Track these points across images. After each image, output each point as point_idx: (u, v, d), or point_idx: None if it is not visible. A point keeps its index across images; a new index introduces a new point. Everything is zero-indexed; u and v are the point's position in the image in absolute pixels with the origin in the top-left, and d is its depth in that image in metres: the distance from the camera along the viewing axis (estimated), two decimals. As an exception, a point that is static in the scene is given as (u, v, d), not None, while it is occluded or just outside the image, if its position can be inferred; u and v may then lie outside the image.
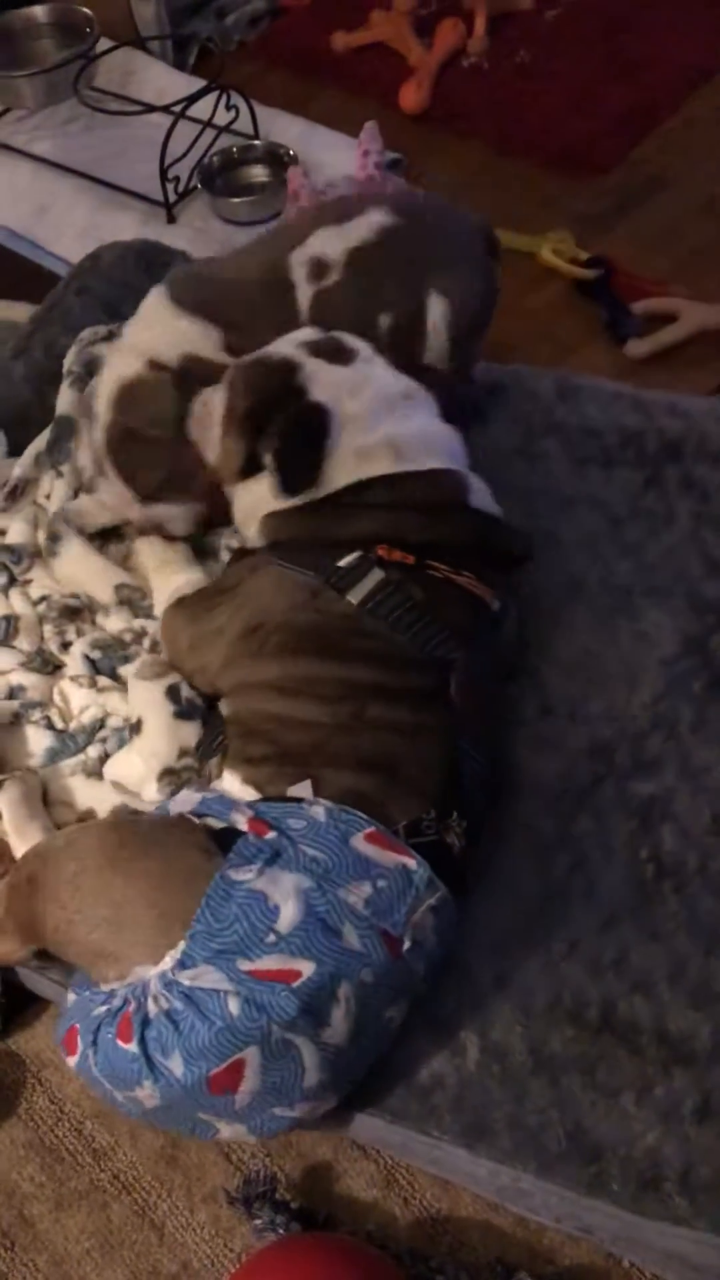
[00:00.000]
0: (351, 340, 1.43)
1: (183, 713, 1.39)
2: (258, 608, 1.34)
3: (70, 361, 1.76)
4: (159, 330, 1.56)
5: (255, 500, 1.41)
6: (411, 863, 1.16)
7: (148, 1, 2.71)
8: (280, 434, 1.35)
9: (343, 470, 1.36)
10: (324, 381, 1.37)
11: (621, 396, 1.75)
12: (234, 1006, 1.08)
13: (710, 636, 1.46)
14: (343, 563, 1.32)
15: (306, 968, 1.09)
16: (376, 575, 1.30)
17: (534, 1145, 1.16)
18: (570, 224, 2.28)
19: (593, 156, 2.43)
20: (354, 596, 1.29)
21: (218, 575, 1.52)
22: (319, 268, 1.55)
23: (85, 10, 2.61)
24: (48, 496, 1.68)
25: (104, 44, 2.59)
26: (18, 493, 1.67)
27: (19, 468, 1.69)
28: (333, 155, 2.42)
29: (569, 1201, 1.16)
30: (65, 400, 1.72)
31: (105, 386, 1.56)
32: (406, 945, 1.14)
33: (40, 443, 1.71)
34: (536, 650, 1.47)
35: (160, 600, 1.52)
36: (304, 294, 1.55)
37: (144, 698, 1.41)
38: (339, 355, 1.41)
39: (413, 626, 1.28)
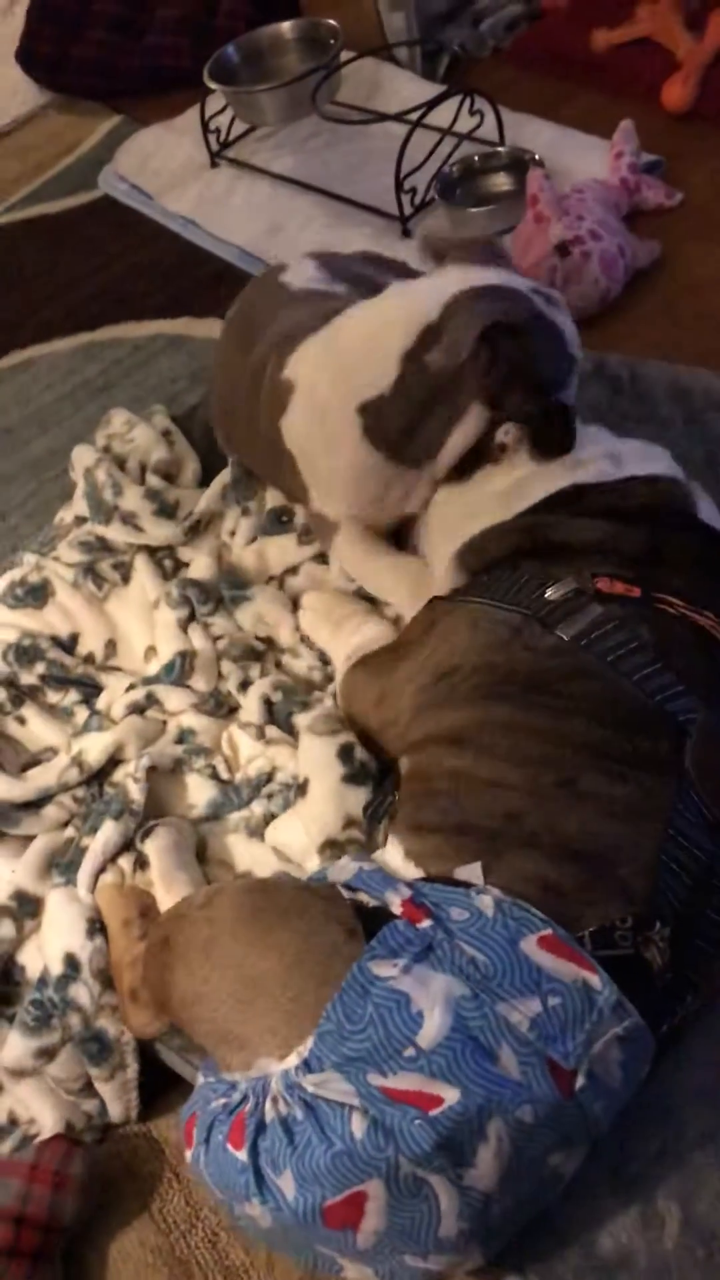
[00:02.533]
0: None
1: (353, 776, 1.22)
2: (452, 648, 1.15)
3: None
4: None
5: (462, 510, 1.27)
6: (595, 979, 0.93)
7: (398, 11, 2.59)
8: (531, 398, 1.25)
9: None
10: None
11: None
12: (358, 1127, 0.89)
13: None
14: (551, 594, 1.12)
15: (450, 1095, 0.88)
16: (593, 611, 1.09)
17: None
18: None
19: None
20: (565, 632, 1.09)
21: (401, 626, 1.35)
22: None
23: (331, 23, 2.51)
24: (232, 534, 1.57)
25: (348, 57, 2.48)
26: (201, 526, 1.57)
27: (204, 500, 1.59)
28: (584, 160, 2.21)
29: None
30: None
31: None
32: (580, 1082, 0.91)
33: (226, 475, 1.60)
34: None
35: (339, 659, 1.37)
36: None
37: (314, 756, 1.24)
38: None
39: (640, 670, 1.06)
